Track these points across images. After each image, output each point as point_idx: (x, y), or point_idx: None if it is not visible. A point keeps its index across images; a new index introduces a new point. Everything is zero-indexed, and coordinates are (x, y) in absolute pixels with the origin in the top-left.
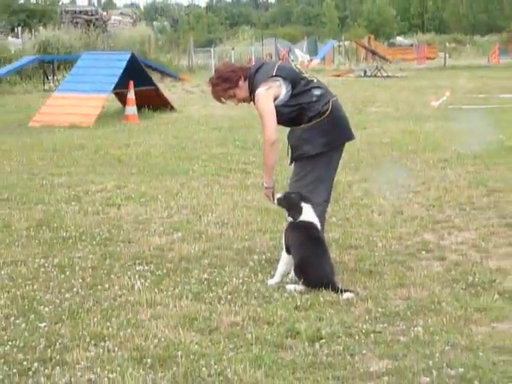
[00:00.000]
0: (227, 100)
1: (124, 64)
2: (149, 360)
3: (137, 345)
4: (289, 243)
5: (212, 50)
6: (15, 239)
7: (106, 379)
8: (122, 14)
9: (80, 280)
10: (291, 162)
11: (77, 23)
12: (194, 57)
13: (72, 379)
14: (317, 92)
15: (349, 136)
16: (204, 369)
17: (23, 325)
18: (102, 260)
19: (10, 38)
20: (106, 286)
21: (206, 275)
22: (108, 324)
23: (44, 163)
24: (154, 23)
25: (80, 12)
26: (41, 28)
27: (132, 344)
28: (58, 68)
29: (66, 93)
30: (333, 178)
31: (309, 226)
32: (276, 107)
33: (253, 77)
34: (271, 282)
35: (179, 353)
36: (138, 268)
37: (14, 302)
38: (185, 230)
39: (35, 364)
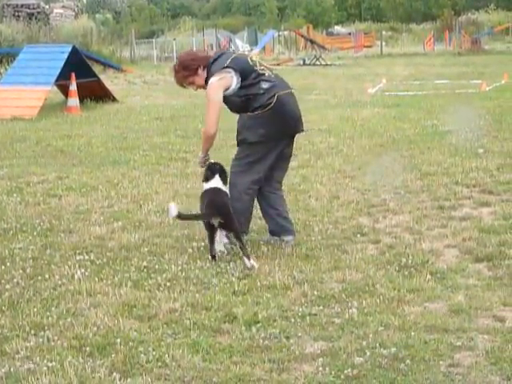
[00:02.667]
0: (188, 86)
1: (65, 56)
2: (88, 348)
3: (76, 333)
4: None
5: (154, 41)
6: None
7: (45, 368)
8: (64, 7)
9: (20, 271)
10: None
11: (19, 17)
12: (136, 48)
13: (11, 369)
14: (264, 85)
15: (295, 129)
16: (142, 355)
17: None
18: (43, 250)
19: None
20: (47, 276)
21: (145, 263)
22: (48, 313)
23: None
24: (97, 16)
25: (22, 5)
26: None
27: (71, 333)
28: (1, 61)
29: (9, 86)
30: (270, 165)
31: (213, 189)
32: (226, 96)
33: (210, 66)
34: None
35: (118, 340)
36: (78, 258)
37: None
38: (125, 219)
39: None
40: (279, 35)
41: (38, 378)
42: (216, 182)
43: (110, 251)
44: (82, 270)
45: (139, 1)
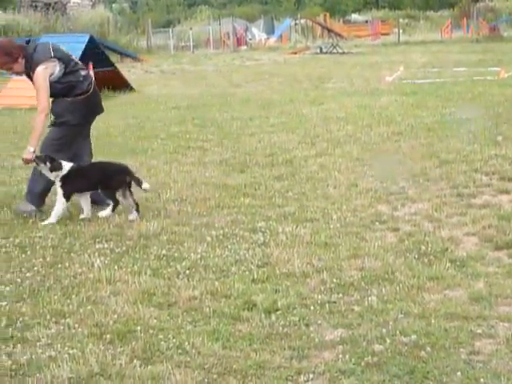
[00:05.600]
0: (4, 69)
1: (83, 46)
2: (108, 335)
3: (97, 321)
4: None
5: (170, 30)
6: None
7: (66, 355)
8: None
9: (41, 259)
10: (50, 126)
11: (36, 7)
12: (152, 38)
13: (33, 356)
14: (83, 73)
15: (101, 111)
16: (163, 342)
17: None
18: (63, 239)
19: None
20: (67, 264)
21: (164, 251)
22: (68, 301)
23: (5, 145)
24: (113, 5)
25: None
26: (0, 12)
27: (92, 320)
28: None
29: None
30: (81, 142)
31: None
32: (51, 83)
33: (30, 56)
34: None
35: (138, 327)
36: (97, 246)
37: None
38: (144, 208)
39: None
40: (296, 24)
41: (59, 365)
42: (68, 164)
43: (129, 240)
44: (102, 259)
45: None
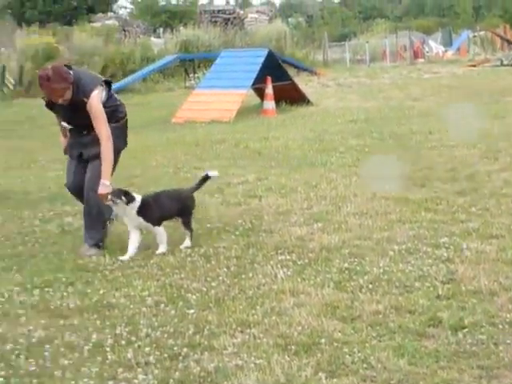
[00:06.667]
0: (55, 98)
1: (262, 60)
2: (293, 347)
3: (281, 332)
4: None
5: (346, 44)
6: None
7: (252, 365)
8: (258, 11)
9: (225, 269)
10: (96, 159)
11: (215, 22)
12: (328, 51)
13: (220, 364)
14: (117, 96)
15: None
16: (348, 356)
17: (172, 311)
18: (246, 250)
19: (152, 38)
20: (250, 274)
21: (346, 264)
22: (253, 311)
23: (187, 157)
24: (289, 19)
25: (218, 11)
26: (181, 28)
27: (277, 331)
28: (198, 66)
29: (207, 89)
30: None
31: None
32: None
33: (78, 82)
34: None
35: (323, 340)
36: (280, 257)
37: (163, 290)
38: (324, 221)
39: (185, 349)
40: (474, 36)
41: (246, 374)
42: (137, 195)
43: (310, 252)
44: (285, 270)
45: (331, 4)
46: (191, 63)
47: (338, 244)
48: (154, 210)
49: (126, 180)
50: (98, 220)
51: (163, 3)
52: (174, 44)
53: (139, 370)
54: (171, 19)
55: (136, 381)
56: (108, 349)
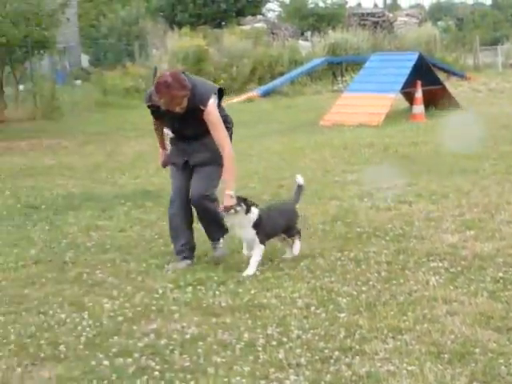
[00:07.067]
0: (172, 107)
1: (412, 64)
2: (446, 355)
3: (433, 340)
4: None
5: (498, 47)
6: (312, 233)
7: (404, 371)
8: (408, 15)
9: (375, 274)
10: (202, 165)
11: (364, 25)
12: (480, 55)
13: (372, 369)
14: (223, 104)
15: None
16: (503, 367)
17: (323, 314)
18: (396, 255)
19: (300, 41)
20: (401, 280)
21: (501, 274)
22: (404, 318)
23: (335, 160)
24: (439, 23)
25: (367, 14)
26: (330, 31)
27: (429, 338)
28: (346, 69)
29: (355, 93)
30: None
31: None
32: None
33: (194, 89)
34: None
35: (477, 350)
36: (431, 264)
37: (313, 293)
38: (477, 229)
39: (336, 352)
40: None
41: (398, 381)
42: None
43: (463, 260)
44: (437, 277)
45: (482, 7)
46: (339, 66)
47: (491, 252)
48: (266, 226)
49: (275, 181)
50: (214, 221)
51: (311, 6)
52: (322, 47)
53: (291, 370)
54: (319, 22)
55: (288, 381)
56: (260, 348)
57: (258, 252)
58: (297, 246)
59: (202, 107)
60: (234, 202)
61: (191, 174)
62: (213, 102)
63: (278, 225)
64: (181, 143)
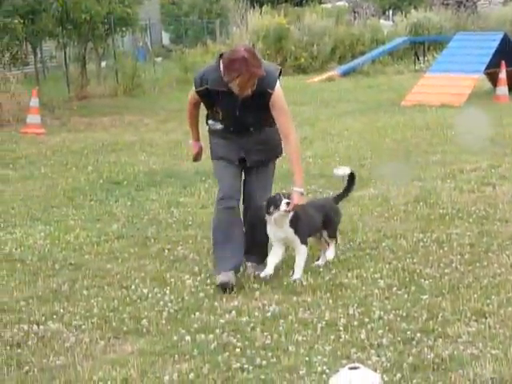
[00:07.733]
0: (245, 88)
1: (496, 44)
2: None
3: None
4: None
5: None
6: (394, 214)
7: (488, 355)
8: None
9: (458, 256)
10: (261, 166)
11: (447, 4)
12: None
13: (455, 352)
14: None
15: None
16: None
17: (405, 296)
18: (479, 238)
19: (381, 20)
20: (485, 263)
21: None
22: (488, 301)
23: (417, 141)
24: None
25: None
26: (412, 10)
27: None
28: (428, 49)
29: (438, 73)
30: None
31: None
32: None
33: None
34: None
35: None
36: None
37: (395, 274)
38: None
39: (418, 334)
40: None
41: (481, 364)
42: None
43: None
44: None
45: None
46: (421, 46)
47: None
48: (304, 224)
49: (356, 161)
50: (266, 235)
51: None
52: (404, 26)
53: (372, 351)
54: (400, 1)
55: (369, 362)
56: (341, 328)
57: (302, 252)
58: (331, 251)
59: (270, 90)
60: (304, 200)
61: (242, 172)
62: (279, 87)
63: (315, 222)
64: (235, 137)
